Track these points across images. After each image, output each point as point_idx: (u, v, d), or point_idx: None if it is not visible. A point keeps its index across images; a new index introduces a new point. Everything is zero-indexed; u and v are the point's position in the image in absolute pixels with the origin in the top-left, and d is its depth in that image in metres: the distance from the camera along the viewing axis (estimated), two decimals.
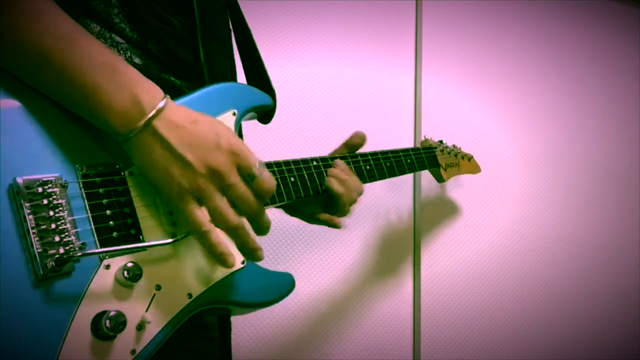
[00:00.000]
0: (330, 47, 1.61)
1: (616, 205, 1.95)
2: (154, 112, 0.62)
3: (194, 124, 0.64)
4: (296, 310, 1.43)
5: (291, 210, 1.02)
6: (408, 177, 1.64)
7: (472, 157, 1.50)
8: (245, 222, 0.67)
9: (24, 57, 0.59)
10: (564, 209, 1.86)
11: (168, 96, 0.64)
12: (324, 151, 1.48)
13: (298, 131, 1.53)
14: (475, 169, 1.51)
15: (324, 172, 0.94)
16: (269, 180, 0.66)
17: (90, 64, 0.61)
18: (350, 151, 1.04)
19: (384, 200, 1.60)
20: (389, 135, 1.64)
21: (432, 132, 1.66)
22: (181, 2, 0.83)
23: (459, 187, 1.71)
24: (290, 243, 1.46)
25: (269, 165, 0.87)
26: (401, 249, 1.61)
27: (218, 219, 0.64)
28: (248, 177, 0.65)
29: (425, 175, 1.64)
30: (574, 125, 1.95)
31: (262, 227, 0.69)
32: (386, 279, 1.57)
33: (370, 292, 1.53)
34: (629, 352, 1.85)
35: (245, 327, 1.36)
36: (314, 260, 1.48)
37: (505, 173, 1.79)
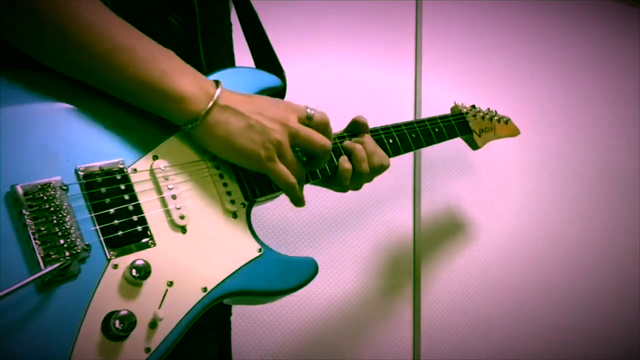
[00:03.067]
0: (330, 47, 1.58)
1: (617, 204, 1.91)
2: (219, 92, 0.68)
3: (246, 95, 0.73)
4: (295, 311, 1.41)
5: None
6: (408, 175, 1.61)
7: (510, 119, 1.41)
8: None
9: (92, 66, 0.63)
10: (564, 209, 1.82)
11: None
12: None
13: None
14: (513, 131, 1.42)
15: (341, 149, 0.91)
16: (322, 116, 0.77)
17: (158, 56, 0.66)
18: None
19: (384, 202, 1.57)
20: None
21: None
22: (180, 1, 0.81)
23: (460, 188, 1.68)
24: (291, 244, 1.44)
25: None
26: (401, 248, 1.58)
27: (293, 169, 0.73)
28: (306, 120, 0.75)
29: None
30: (574, 124, 1.91)
31: (326, 157, 0.78)
32: (386, 278, 1.54)
33: (370, 292, 1.51)
34: (630, 352, 1.81)
35: (244, 326, 1.35)
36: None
37: (506, 172, 1.76)
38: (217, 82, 0.70)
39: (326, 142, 0.75)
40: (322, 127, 0.76)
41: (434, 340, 1.55)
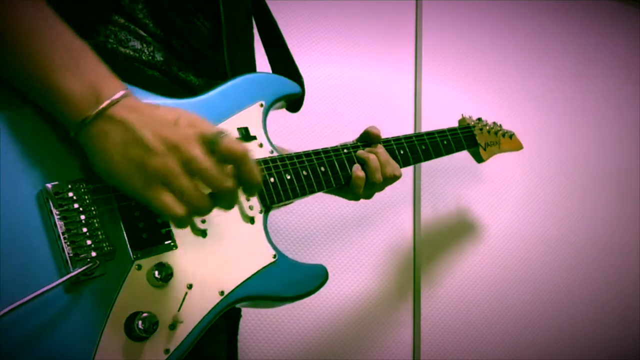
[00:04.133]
0: (330, 47, 1.59)
1: (616, 205, 1.92)
2: (108, 101, 0.58)
3: (153, 107, 0.60)
4: (298, 311, 1.43)
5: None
6: (408, 179, 1.63)
7: (514, 134, 1.44)
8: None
9: None
10: (564, 209, 1.83)
11: (129, 90, 0.61)
12: None
13: (297, 131, 1.51)
14: (517, 146, 1.44)
15: (355, 158, 0.92)
16: (235, 144, 0.59)
17: (56, 47, 0.58)
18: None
19: (385, 205, 1.58)
20: (388, 135, 1.63)
21: None
22: (207, 4, 0.82)
23: (460, 187, 1.69)
24: (291, 244, 1.45)
25: (298, 155, 0.86)
26: (401, 248, 1.59)
27: (184, 201, 0.58)
28: (210, 144, 0.59)
29: (426, 169, 1.65)
30: (574, 124, 1.91)
31: (227, 203, 0.63)
32: (386, 278, 1.55)
33: (370, 293, 1.51)
34: (629, 352, 1.82)
35: (248, 328, 1.37)
36: (314, 261, 1.48)
37: (506, 173, 1.77)
38: (125, 90, 0.60)
39: (222, 182, 0.59)
40: (231, 157, 0.60)
41: (434, 340, 1.57)
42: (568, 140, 1.90)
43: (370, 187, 0.92)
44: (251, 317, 1.36)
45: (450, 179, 1.69)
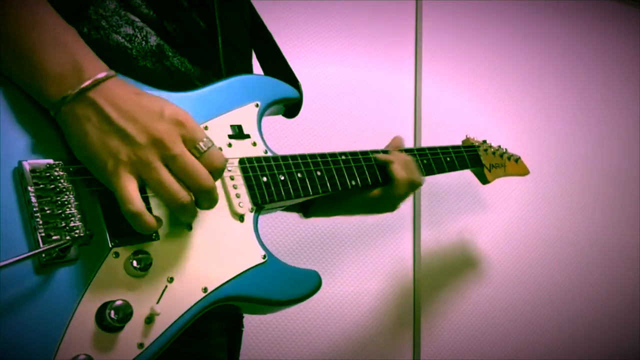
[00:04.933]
0: (330, 47, 1.60)
1: (616, 205, 1.92)
2: (90, 81, 0.56)
3: (137, 95, 0.59)
4: (299, 311, 1.42)
5: (335, 206, 0.97)
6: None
7: (520, 158, 1.41)
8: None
9: None
10: (563, 210, 1.84)
11: (114, 72, 0.59)
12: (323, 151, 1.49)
13: (297, 130, 1.50)
14: (523, 170, 1.41)
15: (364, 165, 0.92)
16: (218, 157, 0.61)
17: (43, 27, 0.57)
18: None
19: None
20: (388, 135, 1.65)
21: (432, 132, 1.66)
22: (201, 3, 0.81)
23: (460, 185, 1.69)
24: (289, 245, 1.45)
25: (293, 157, 0.83)
26: (401, 248, 1.58)
27: (162, 194, 0.58)
28: (194, 150, 0.59)
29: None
30: (573, 125, 1.92)
31: (208, 204, 0.63)
32: (386, 279, 1.54)
33: (371, 294, 1.51)
34: (629, 352, 1.80)
35: (251, 331, 1.35)
36: (313, 262, 1.47)
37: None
38: (109, 71, 0.59)
39: (208, 181, 0.60)
40: (212, 169, 0.60)
41: (434, 340, 1.55)
42: (568, 140, 1.90)
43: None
44: (252, 318, 1.33)
45: (449, 181, 1.67)
